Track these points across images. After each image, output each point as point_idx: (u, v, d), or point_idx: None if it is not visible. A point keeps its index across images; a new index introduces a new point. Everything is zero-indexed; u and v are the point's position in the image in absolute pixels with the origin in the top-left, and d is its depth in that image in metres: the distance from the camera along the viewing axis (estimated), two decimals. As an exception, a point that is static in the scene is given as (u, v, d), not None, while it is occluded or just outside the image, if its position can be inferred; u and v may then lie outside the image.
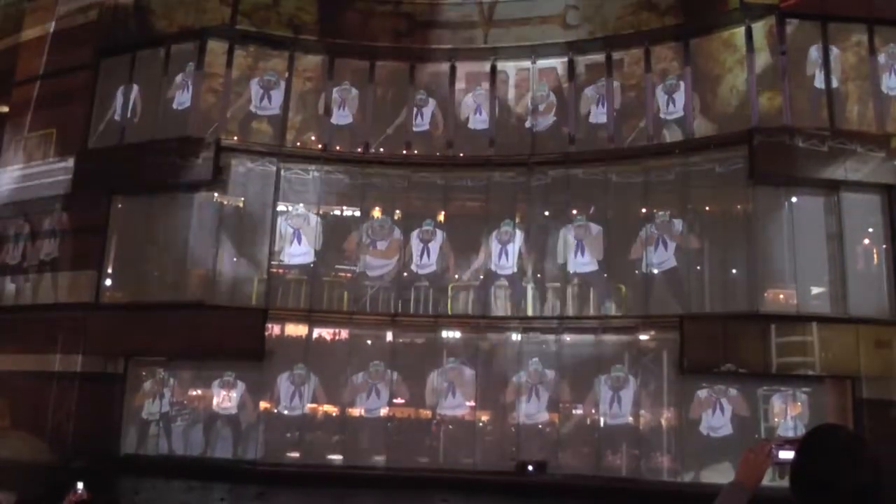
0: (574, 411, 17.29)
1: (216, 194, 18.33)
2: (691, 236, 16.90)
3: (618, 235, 17.52)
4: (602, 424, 16.62)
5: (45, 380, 17.90)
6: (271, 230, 18.23)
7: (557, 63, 18.91)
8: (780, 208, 16.26)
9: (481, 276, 18.10)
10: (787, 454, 2.16)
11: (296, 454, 17.14)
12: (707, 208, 17.39)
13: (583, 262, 17.53)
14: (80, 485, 6.87)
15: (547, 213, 18.38)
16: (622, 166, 17.76)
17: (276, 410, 17.60)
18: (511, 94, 19.53)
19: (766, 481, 2.46)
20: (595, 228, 17.60)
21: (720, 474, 15.09)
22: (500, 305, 18.04)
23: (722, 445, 15.50)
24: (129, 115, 19.13)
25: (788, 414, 15.66)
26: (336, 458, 17.23)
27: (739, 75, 17.23)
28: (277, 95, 18.96)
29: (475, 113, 19.09)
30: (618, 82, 18.35)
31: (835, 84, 16.40)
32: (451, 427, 17.45)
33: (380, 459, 16.98)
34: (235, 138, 18.64)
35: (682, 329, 15.99)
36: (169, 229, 18.18)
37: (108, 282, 18.68)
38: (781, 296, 16.13)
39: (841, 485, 1.91)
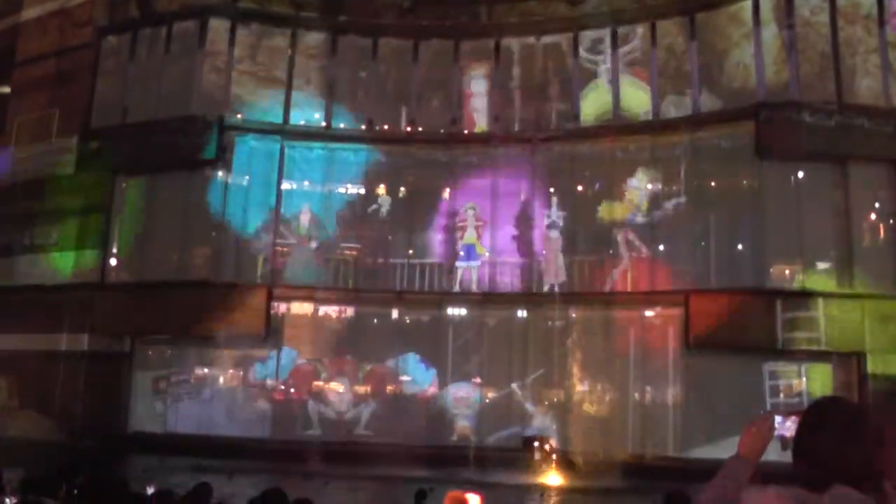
0: (580, 388, 17.34)
1: (220, 173, 18.31)
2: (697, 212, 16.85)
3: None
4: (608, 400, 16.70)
5: (53, 359, 17.97)
6: (276, 208, 18.24)
7: (562, 39, 18.74)
8: (786, 183, 16.15)
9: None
10: (789, 427, 2.14)
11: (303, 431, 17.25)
12: (713, 184, 17.27)
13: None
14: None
15: (552, 189, 18.31)
16: (628, 141, 17.68)
17: (283, 388, 17.65)
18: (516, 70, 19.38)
19: (770, 455, 2.45)
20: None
21: (724, 449, 15.10)
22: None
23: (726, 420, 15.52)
24: (131, 94, 19.04)
25: (793, 389, 15.66)
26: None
27: (746, 50, 17.03)
28: (281, 73, 18.86)
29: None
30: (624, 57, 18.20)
31: (843, 58, 16.20)
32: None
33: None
34: (239, 116, 18.58)
35: (687, 305, 15.98)
36: (173, 208, 18.14)
37: (114, 261, 18.71)
38: (787, 271, 16.07)
39: (842, 456, 1.90)
